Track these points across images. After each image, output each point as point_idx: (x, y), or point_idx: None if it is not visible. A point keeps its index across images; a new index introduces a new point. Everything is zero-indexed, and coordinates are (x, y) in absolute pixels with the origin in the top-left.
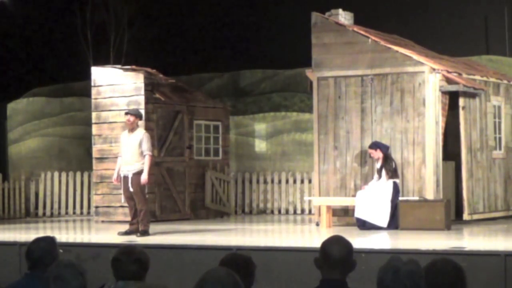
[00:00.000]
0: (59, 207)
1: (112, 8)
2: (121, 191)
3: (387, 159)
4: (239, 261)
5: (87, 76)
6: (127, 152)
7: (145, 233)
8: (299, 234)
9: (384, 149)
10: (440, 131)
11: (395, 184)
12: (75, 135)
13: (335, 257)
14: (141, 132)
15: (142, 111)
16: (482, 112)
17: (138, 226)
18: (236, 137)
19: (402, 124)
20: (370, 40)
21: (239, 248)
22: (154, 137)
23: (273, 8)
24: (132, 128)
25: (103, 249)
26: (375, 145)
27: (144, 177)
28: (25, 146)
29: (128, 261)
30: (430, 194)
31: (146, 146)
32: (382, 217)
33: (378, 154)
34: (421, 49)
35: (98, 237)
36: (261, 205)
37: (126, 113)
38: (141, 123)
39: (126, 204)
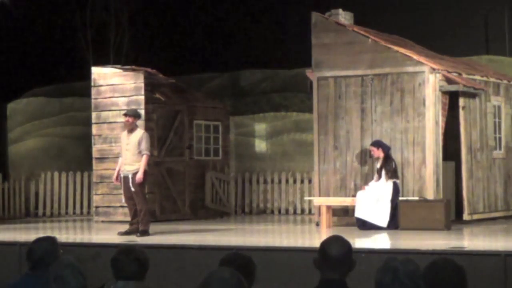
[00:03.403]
0: (59, 207)
1: (112, 8)
2: (121, 191)
3: (387, 159)
4: (239, 261)
5: (87, 76)
6: (127, 152)
7: (145, 233)
8: (299, 234)
9: (386, 149)
10: (440, 131)
11: (395, 184)
12: (75, 135)
13: (334, 256)
14: (140, 132)
15: (142, 111)
16: (482, 112)
17: (138, 226)
18: (236, 137)
19: (402, 124)
20: (370, 40)
21: (239, 248)
22: (154, 137)
23: (273, 8)
24: (131, 128)
25: (103, 249)
26: (378, 144)
27: (138, 176)
28: (25, 146)
29: (128, 260)
30: (430, 194)
31: (144, 145)
32: (382, 217)
33: (379, 153)
34: (421, 49)
35: (98, 237)
36: (261, 205)
37: (125, 114)
38: (141, 123)
39: (126, 204)
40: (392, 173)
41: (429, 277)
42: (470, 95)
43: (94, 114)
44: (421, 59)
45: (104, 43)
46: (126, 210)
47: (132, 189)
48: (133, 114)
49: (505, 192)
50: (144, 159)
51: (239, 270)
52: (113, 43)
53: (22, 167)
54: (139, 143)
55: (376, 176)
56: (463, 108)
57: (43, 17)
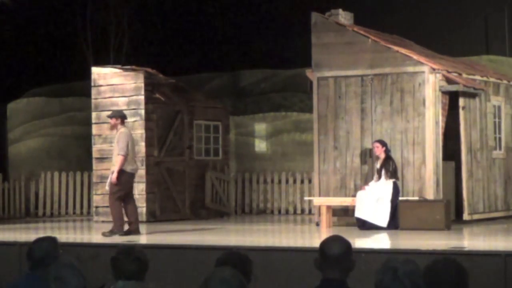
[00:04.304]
0: (59, 207)
1: (112, 8)
2: None
3: (387, 160)
4: (236, 259)
5: (87, 76)
6: (113, 153)
7: (111, 233)
8: (299, 234)
9: (388, 150)
10: (440, 131)
11: (395, 184)
12: (75, 135)
13: (333, 255)
14: (118, 132)
15: (142, 111)
16: (482, 112)
17: (136, 225)
18: (236, 137)
19: (402, 124)
20: (370, 40)
21: (239, 248)
22: (154, 137)
23: (273, 8)
24: (115, 130)
25: (103, 249)
26: (383, 143)
27: (112, 176)
28: (25, 146)
29: (127, 260)
30: (430, 194)
31: (119, 146)
32: (382, 217)
33: (381, 151)
34: (421, 49)
35: (98, 237)
36: (261, 205)
37: (107, 116)
38: (141, 123)
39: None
40: (392, 173)
41: (430, 277)
42: (470, 95)
43: (94, 114)
44: (421, 59)
45: (104, 43)
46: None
47: (106, 187)
48: (114, 115)
49: (505, 192)
50: (118, 159)
51: (236, 268)
52: (113, 43)
53: (22, 167)
54: (117, 144)
55: (376, 176)
56: (463, 108)
57: (44, 17)
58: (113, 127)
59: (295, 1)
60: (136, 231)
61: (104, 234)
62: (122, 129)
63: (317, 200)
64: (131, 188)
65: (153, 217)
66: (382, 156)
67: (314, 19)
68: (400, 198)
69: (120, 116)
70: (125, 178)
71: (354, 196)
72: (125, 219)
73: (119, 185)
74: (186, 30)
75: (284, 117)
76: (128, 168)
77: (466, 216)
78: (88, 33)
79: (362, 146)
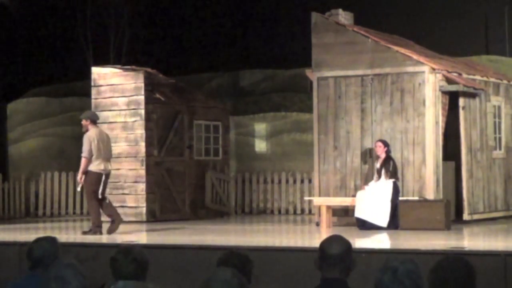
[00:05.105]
0: (59, 207)
1: (112, 8)
2: (120, 192)
3: (387, 159)
4: (236, 260)
5: (87, 76)
6: None
7: (89, 232)
8: (299, 234)
9: (389, 151)
10: (440, 131)
11: (395, 184)
12: (75, 135)
13: (333, 254)
14: (84, 134)
15: (142, 111)
16: (482, 112)
17: (116, 217)
18: (236, 137)
19: (402, 124)
20: (370, 40)
21: (239, 248)
22: (154, 137)
23: (273, 8)
24: (86, 131)
25: (102, 249)
26: (386, 143)
27: (77, 178)
28: (25, 146)
29: (125, 261)
30: (430, 194)
31: (83, 148)
32: (382, 217)
33: (383, 151)
34: (421, 49)
35: (98, 237)
36: (261, 205)
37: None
38: (142, 123)
39: (125, 204)
40: (392, 173)
41: (439, 273)
42: (470, 95)
43: None
44: (421, 59)
45: (104, 43)
46: (126, 210)
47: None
48: (84, 118)
49: (505, 192)
50: (81, 161)
51: (236, 269)
52: (113, 43)
53: (22, 167)
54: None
55: (376, 176)
56: (463, 108)
57: (43, 17)
58: (85, 128)
59: (295, 1)
60: (118, 223)
61: (83, 233)
62: (89, 131)
63: (317, 200)
64: (99, 187)
65: (153, 217)
66: (383, 156)
67: (314, 19)
68: (400, 198)
69: (89, 117)
70: (90, 178)
71: (354, 196)
72: (126, 218)
73: (85, 186)
74: (186, 30)
75: (284, 117)
76: (93, 168)
77: (466, 216)
78: (88, 33)
79: (362, 146)
